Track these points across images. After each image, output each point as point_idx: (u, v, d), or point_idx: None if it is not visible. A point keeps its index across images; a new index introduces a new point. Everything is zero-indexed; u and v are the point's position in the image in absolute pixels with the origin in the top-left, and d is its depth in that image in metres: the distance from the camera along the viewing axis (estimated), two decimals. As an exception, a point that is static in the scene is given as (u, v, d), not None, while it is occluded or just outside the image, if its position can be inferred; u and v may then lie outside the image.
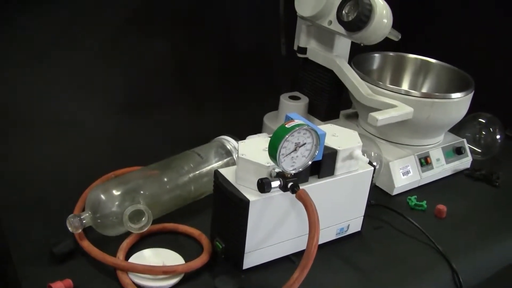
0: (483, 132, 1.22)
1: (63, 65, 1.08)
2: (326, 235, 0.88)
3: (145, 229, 0.83)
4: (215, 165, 0.96)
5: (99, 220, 0.82)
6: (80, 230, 0.81)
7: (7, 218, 0.87)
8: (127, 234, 0.84)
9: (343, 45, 1.13)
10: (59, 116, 1.09)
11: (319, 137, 0.74)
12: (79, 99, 1.12)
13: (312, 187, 0.80)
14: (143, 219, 0.83)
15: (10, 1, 0.99)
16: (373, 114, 0.98)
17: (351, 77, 1.09)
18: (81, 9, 1.08)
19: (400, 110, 1.01)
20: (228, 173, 0.81)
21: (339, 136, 0.86)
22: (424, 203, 1.03)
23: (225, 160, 0.98)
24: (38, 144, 1.06)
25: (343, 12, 1.01)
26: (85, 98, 1.13)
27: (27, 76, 1.05)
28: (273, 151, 0.71)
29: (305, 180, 0.80)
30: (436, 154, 1.13)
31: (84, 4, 1.07)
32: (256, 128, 1.23)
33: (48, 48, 1.06)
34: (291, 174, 0.74)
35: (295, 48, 1.18)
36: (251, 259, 0.81)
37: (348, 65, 1.11)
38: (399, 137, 1.12)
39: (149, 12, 1.17)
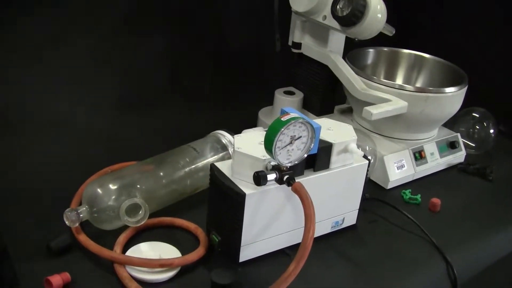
0: (477, 127, 1.23)
1: (58, 63, 1.08)
2: (321, 228, 0.89)
3: (142, 223, 0.83)
4: (210, 159, 0.96)
5: (96, 214, 0.82)
6: (77, 224, 0.81)
7: (3, 214, 0.87)
8: (124, 228, 0.84)
9: (337, 40, 1.14)
10: (54, 112, 1.09)
11: (314, 131, 0.74)
12: (74, 95, 1.12)
13: (308, 180, 0.80)
14: (140, 212, 0.83)
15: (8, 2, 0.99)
16: (368, 108, 0.98)
17: (345, 72, 1.09)
18: (77, 8, 1.07)
19: (394, 105, 1.02)
20: (224, 166, 0.81)
21: (334, 130, 0.86)
22: (418, 196, 1.04)
23: (220, 154, 0.98)
24: (33, 141, 1.05)
25: (338, 7, 1.02)
26: (81, 95, 1.13)
27: (21, 74, 1.05)
28: (269, 144, 0.71)
29: (300, 173, 0.81)
30: (430, 148, 1.13)
31: (80, 4, 1.07)
32: (251, 124, 1.22)
33: (44, 47, 1.06)
34: (286, 167, 0.75)
35: (290, 43, 1.18)
36: (247, 252, 0.82)
37: (342, 60, 1.11)
38: (393, 132, 1.12)
39: (144, 11, 1.17)
